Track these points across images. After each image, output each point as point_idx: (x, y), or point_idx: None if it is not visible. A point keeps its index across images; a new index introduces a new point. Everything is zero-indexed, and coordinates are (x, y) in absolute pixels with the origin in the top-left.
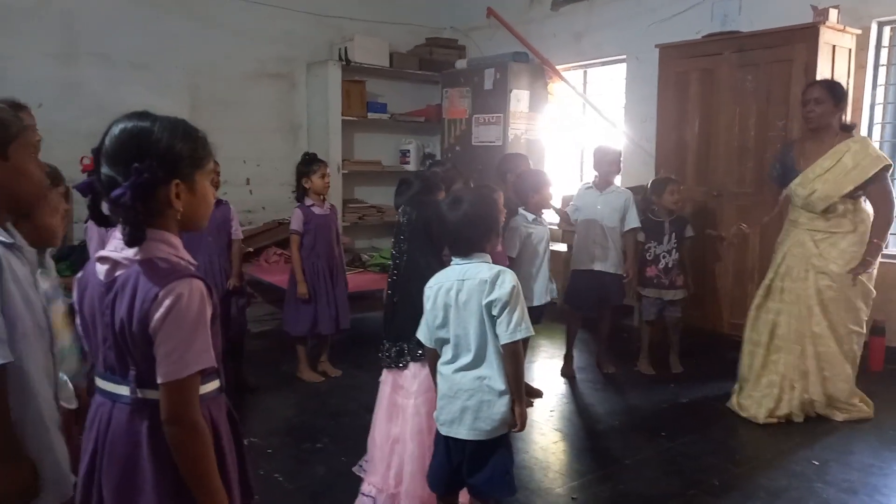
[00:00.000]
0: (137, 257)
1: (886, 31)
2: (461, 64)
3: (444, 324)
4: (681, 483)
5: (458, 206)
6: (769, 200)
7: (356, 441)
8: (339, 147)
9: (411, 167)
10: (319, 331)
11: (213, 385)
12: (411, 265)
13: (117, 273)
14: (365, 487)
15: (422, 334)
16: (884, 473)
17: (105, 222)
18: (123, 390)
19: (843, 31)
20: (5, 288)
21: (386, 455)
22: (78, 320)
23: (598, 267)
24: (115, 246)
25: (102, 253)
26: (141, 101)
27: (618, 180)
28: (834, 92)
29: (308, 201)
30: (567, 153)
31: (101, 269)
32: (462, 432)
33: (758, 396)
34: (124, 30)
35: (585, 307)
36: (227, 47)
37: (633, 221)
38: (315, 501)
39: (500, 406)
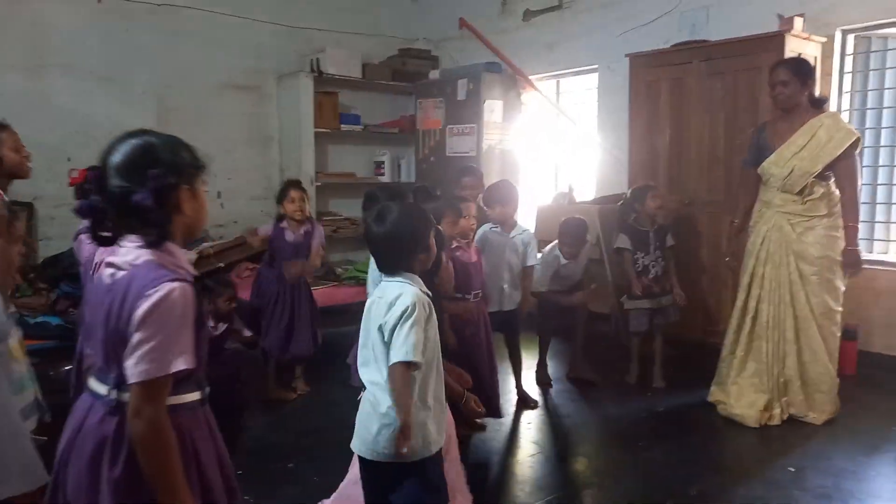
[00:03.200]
0: (139, 262)
1: (850, 39)
2: (434, 74)
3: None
4: (659, 493)
5: (383, 221)
6: (741, 198)
7: (328, 460)
8: (312, 159)
9: (386, 178)
10: (273, 354)
11: (192, 396)
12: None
13: (117, 275)
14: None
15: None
16: (858, 478)
17: (106, 242)
18: (104, 390)
19: (808, 39)
20: None
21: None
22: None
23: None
24: (120, 252)
25: (109, 258)
26: (108, 113)
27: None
28: (799, 70)
29: (283, 224)
30: (541, 163)
31: (107, 273)
32: (367, 452)
33: (746, 384)
34: (91, 42)
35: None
36: (196, 59)
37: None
38: None
39: (390, 431)
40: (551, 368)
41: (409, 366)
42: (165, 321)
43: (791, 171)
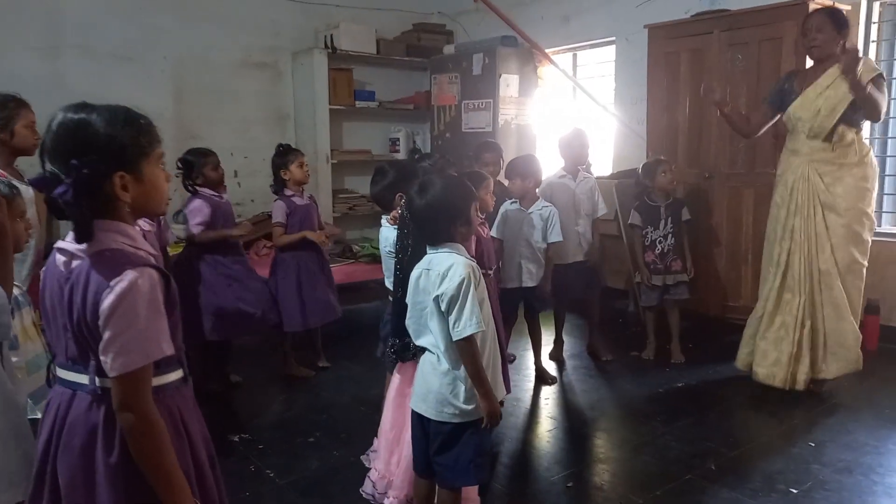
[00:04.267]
0: (91, 250)
1: (876, 6)
2: (449, 49)
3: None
4: (677, 468)
5: (425, 193)
6: (757, 127)
7: (349, 434)
8: (327, 137)
9: (401, 156)
10: (310, 324)
11: (175, 375)
12: (414, 259)
13: (73, 264)
14: (371, 473)
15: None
16: (879, 452)
17: (64, 216)
18: (84, 380)
19: (832, 7)
20: None
21: (391, 442)
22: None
23: (579, 258)
24: (72, 237)
25: (59, 244)
26: (125, 93)
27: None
28: (835, 18)
29: (287, 192)
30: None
31: (60, 260)
32: (428, 411)
33: (771, 339)
34: (107, 22)
35: (568, 297)
36: (212, 37)
37: (603, 207)
38: (308, 496)
39: (461, 395)
40: (568, 344)
41: (475, 336)
42: (135, 312)
43: (818, 112)
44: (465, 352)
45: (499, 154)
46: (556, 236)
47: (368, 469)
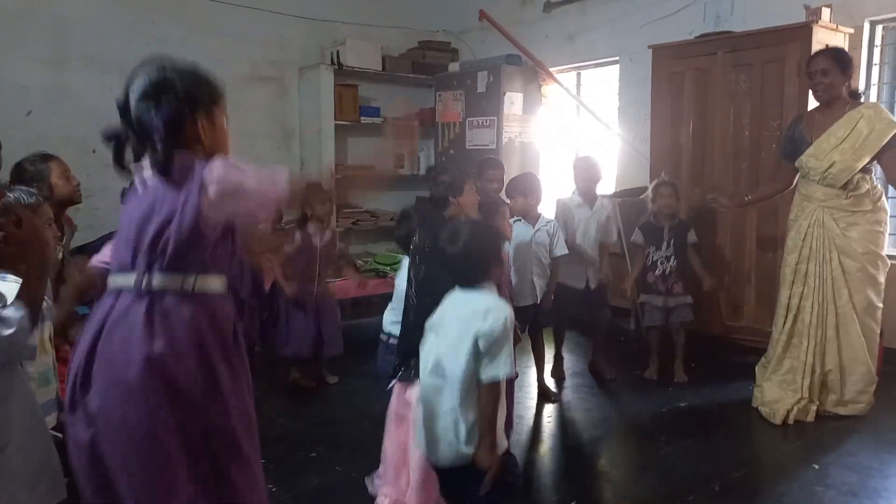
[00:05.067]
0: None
1: (879, 29)
2: (454, 67)
3: (429, 341)
4: (681, 488)
5: (456, 241)
6: (765, 183)
7: (351, 449)
8: (333, 152)
9: (405, 171)
10: (301, 353)
11: (217, 284)
12: (429, 284)
13: (149, 184)
14: (380, 500)
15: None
16: (883, 475)
17: (122, 165)
18: (130, 280)
19: (835, 30)
20: None
21: (397, 464)
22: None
23: (593, 283)
24: (144, 169)
25: (139, 177)
26: None
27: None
28: (840, 60)
29: (311, 228)
30: (561, 156)
31: (140, 189)
32: (437, 459)
33: (777, 381)
34: (114, 34)
35: (569, 315)
36: (218, 51)
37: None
38: None
39: (462, 436)
40: (570, 362)
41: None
42: (237, 169)
43: (832, 165)
44: (489, 395)
45: (501, 171)
46: (561, 249)
47: (375, 496)
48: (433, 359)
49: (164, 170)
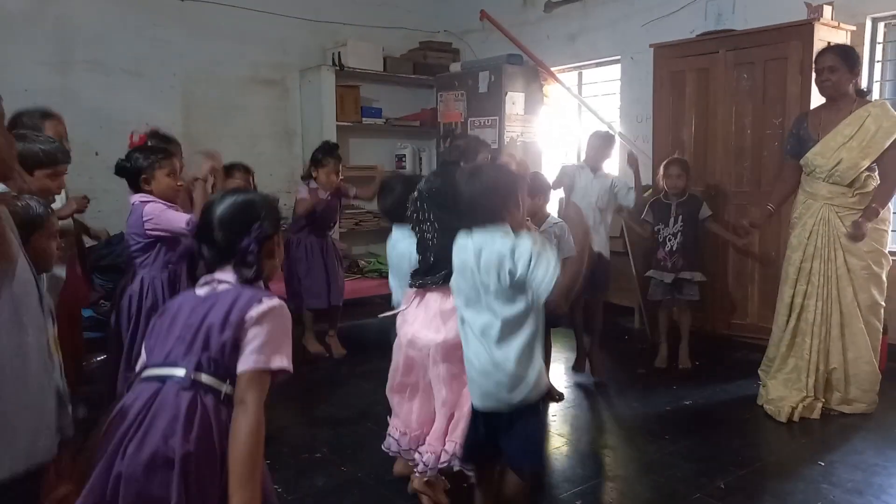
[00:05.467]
0: (242, 280)
1: (881, 27)
2: (455, 67)
3: (464, 284)
4: (686, 487)
5: (476, 178)
6: (777, 186)
7: (355, 450)
8: None
9: (407, 172)
10: (309, 305)
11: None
12: (441, 223)
13: (220, 288)
14: (390, 429)
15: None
16: (889, 473)
17: (195, 279)
18: (179, 372)
19: (837, 27)
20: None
21: (405, 399)
22: (151, 323)
23: (595, 248)
24: (217, 278)
25: (206, 278)
26: (135, 108)
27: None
28: (847, 57)
29: (313, 184)
30: (563, 155)
31: (203, 289)
32: (483, 401)
33: (781, 379)
34: (118, 37)
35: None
36: (220, 54)
37: (631, 200)
38: None
39: (532, 376)
40: (572, 360)
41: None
42: (282, 324)
43: (839, 163)
44: (561, 291)
45: (486, 151)
46: (568, 251)
47: (395, 455)
48: (474, 303)
49: (252, 282)
